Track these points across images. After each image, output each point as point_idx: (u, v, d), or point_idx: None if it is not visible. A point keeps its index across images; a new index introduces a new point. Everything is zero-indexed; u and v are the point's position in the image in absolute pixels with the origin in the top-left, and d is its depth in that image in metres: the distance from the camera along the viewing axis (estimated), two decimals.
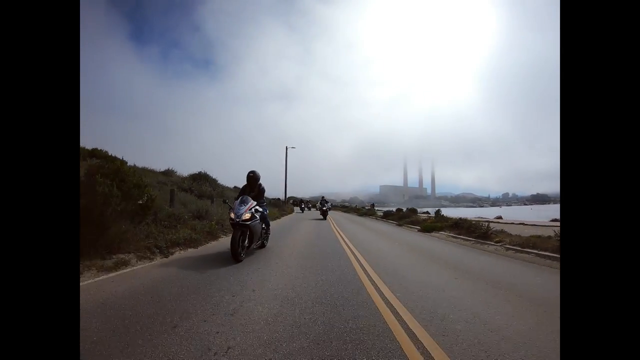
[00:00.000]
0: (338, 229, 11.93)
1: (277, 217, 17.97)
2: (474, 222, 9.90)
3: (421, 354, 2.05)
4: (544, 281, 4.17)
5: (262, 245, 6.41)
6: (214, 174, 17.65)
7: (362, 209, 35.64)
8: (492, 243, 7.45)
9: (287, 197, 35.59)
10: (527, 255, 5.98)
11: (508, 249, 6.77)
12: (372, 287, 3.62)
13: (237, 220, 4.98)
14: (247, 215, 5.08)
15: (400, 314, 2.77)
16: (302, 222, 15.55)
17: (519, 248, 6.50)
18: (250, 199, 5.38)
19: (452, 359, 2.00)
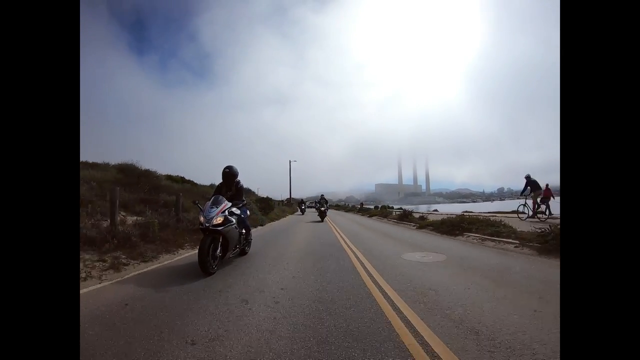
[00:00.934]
0: (330, 220, 17.57)
1: (291, 214, 26.16)
2: (393, 211, 23.33)
3: (341, 239, 8.38)
4: (394, 228, 12.51)
5: (243, 252, 5.59)
6: (216, 178, 18.26)
7: (348, 207, 52.55)
8: (387, 219, 17.77)
9: (290, 199, 42.51)
10: (394, 221, 15.57)
11: (390, 220, 16.84)
12: (334, 229, 11.37)
13: (207, 225, 4.18)
14: (219, 219, 4.27)
15: (341, 234, 9.60)
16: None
17: (393, 219, 16.66)
18: (223, 199, 4.56)
19: (350, 240, 8.07)
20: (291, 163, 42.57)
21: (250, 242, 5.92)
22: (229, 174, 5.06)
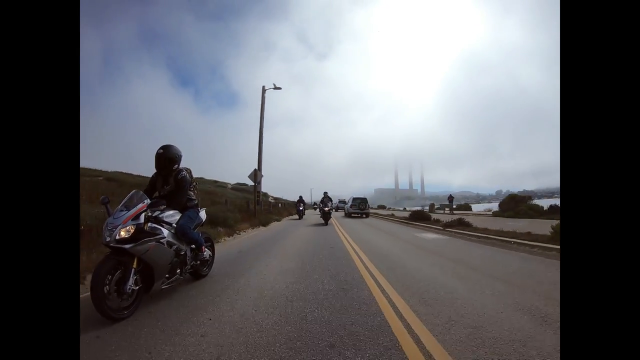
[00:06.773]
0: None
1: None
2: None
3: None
4: (378, 222, 16.07)
5: (198, 275, 3.48)
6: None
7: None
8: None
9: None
10: (373, 216, 22.24)
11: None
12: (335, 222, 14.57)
13: (107, 239, 2.34)
14: (129, 230, 2.39)
15: (336, 224, 13.24)
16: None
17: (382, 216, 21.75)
18: (143, 196, 2.64)
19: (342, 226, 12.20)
20: (312, 190, 45.82)
21: (209, 261, 3.67)
22: (163, 157, 2.98)
